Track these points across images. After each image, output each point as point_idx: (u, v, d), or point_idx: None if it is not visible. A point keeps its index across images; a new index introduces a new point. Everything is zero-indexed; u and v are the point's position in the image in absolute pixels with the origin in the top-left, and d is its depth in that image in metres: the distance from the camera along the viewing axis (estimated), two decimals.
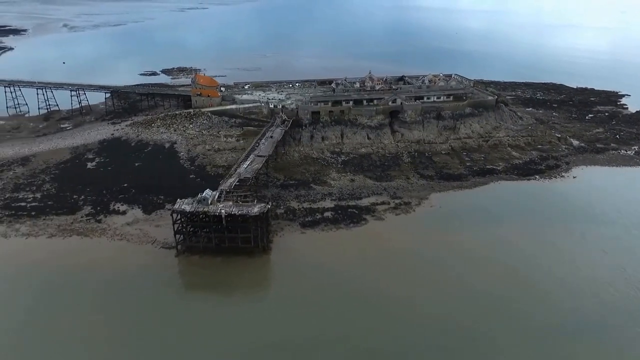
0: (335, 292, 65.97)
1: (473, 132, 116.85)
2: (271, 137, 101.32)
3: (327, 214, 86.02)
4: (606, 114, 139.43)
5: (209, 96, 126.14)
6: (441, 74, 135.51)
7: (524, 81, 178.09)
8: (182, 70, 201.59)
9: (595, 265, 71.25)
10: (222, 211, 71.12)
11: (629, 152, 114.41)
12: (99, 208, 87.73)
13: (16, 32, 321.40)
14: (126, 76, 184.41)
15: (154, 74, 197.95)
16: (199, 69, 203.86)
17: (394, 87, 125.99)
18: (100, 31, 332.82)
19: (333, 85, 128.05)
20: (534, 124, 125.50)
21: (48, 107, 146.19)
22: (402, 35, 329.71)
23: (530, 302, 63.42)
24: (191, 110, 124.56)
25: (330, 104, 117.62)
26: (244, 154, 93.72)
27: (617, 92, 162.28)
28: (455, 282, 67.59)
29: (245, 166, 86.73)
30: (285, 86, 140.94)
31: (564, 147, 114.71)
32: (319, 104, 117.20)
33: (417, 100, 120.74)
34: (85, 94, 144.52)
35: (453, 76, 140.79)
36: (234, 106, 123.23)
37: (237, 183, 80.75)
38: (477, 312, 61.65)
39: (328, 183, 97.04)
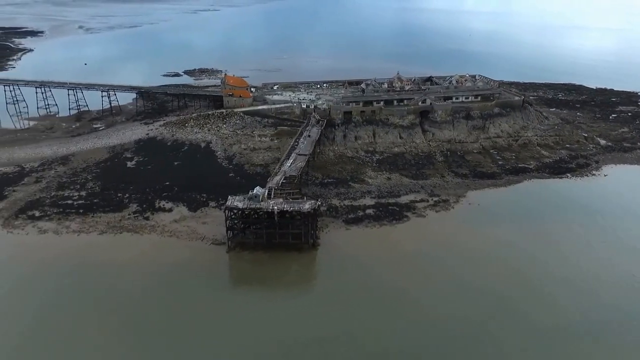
0: (382, 289, 67.31)
1: (502, 132, 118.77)
2: (309, 136, 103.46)
3: (369, 211, 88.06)
4: (629, 114, 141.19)
5: (240, 96, 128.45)
6: (467, 75, 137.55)
7: (543, 82, 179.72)
8: (203, 72, 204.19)
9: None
10: (275, 207, 73.22)
11: None
12: (144, 206, 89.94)
13: (33, 33, 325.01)
14: (150, 77, 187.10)
15: (176, 75, 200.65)
16: (220, 70, 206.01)
17: (422, 87, 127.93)
18: (117, 33, 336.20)
19: (362, 85, 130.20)
20: (560, 123, 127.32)
21: (78, 107, 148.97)
22: (412, 37, 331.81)
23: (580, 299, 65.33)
24: (223, 110, 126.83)
25: (361, 104, 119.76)
26: (286, 152, 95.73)
27: (636, 93, 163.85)
28: (514, 279, 68.89)
29: (289, 164, 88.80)
30: (313, 87, 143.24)
31: (592, 146, 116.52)
32: (350, 104, 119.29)
33: (447, 101, 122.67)
34: (115, 94, 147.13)
35: (477, 77, 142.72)
36: (265, 106, 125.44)
37: (284, 181, 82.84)
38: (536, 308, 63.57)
39: (365, 181, 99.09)
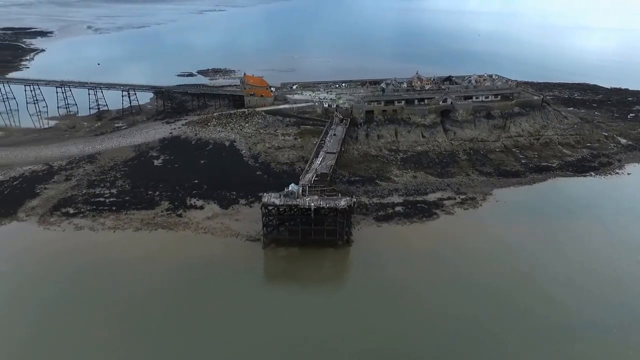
0: (416, 286, 68.52)
1: (523, 131, 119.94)
2: (334, 134, 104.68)
3: (398, 208, 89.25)
4: None
5: (262, 96, 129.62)
6: (485, 74, 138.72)
7: (557, 82, 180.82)
8: (217, 72, 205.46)
9: None
10: (312, 204, 74.36)
11: None
12: (176, 203, 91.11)
13: (43, 34, 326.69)
14: (165, 77, 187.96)
15: (190, 75, 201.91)
16: (234, 70, 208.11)
17: (442, 87, 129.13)
18: (126, 33, 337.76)
19: (383, 85, 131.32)
20: (580, 122, 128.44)
21: (98, 107, 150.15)
22: (418, 37, 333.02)
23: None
24: (245, 109, 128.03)
25: (383, 103, 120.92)
26: (314, 151, 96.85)
27: None
28: (552, 277, 70.21)
29: (319, 162, 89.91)
30: (332, 86, 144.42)
31: (613, 145, 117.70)
32: (372, 103, 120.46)
33: (467, 100, 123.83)
34: (135, 94, 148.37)
35: (494, 76, 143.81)
36: (287, 106, 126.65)
37: (316, 178, 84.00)
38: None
39: (392, 179, 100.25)
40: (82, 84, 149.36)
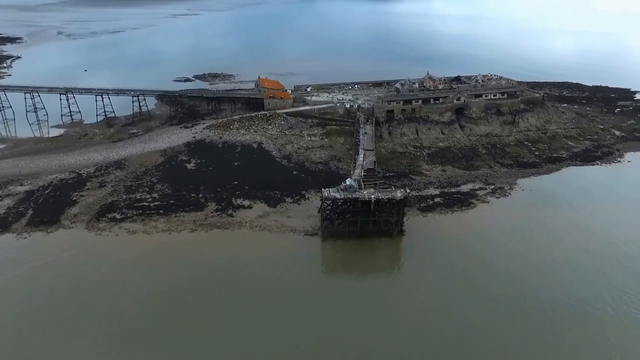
0: (473, 267, 73.67)
1: (531, 126, 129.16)
2: (366, 133, 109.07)
3: (437, 199, 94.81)
4: (631, 107, 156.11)
5: (282, 98, 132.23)
6: (489, 74, 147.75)
7: (544, 81, 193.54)
8: (215, 76, 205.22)
9: None
10: (372, 196, 78.36)
11: None
12: (223, 204, 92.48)
13: (12, 40, 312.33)
14: (162, 83, 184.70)
15: (188, 80, 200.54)
16: (232, 75, 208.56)
17: (453, 86, 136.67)
18: (103, 38, 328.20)
19: (397, 85, 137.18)
20: (577, 117, 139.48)
21: (105, 113, 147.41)
22: (399, 39, 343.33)
23: None
24: (266, 112, 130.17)
25: (401, 103, 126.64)
26: (353, 149, 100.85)
27: (629, 89, 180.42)
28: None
29: (362, 159, 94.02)
30: (345, 87, 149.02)
31: (609, 136, 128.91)
32: (391, 103, 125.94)
33: (477, 98, 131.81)
34: (145, 99, 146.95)
35: (494, 76, 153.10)
36: (307, 107, 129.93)
37: (364, 173, 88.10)
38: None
39: (423, 174, 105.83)
40: (88, 91, 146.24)
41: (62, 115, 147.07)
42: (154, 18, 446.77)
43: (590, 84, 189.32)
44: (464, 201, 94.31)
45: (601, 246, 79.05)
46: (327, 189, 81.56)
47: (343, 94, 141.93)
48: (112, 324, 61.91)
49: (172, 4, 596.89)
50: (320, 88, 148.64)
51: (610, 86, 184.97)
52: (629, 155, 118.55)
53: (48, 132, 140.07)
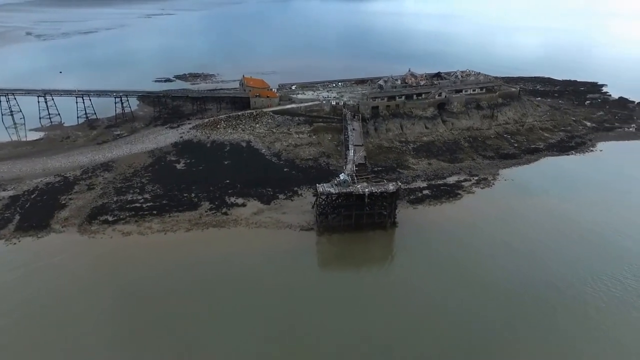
0: (463, 254, 77.03)
1: (509, 119, 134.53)
2: (354, 129, 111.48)
3: (426, 192, 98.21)
4: (599, 100, 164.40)
5: (268, 97, 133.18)
6: (467, 70, 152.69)
7: (516, 76, 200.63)
8: (195, 76, 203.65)
9: None
10: (366, 190, 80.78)
11: (630, 129, 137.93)
12: (216, 203, 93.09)
13: None
14: (142, 84, 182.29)
15: (168, 80, 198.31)
16: (213, 74, 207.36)
17: (434, 82, 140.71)
18: (75, 39, 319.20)
19: (381, 82, 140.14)
20: (551, 110, 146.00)
21: (86, 115, 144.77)
22: (375, 37, 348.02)
23: None
24: (253, 111, 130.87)
25: (386, 99, 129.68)
26: (343, 144, 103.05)
27: (597, 83, 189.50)
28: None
29: (352, 154, 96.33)
30: (328, 85, 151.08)
31: (581, 127, 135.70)
32: (376, 99, 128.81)
33: (458, 93, 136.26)
34: (128, 100, 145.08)
35: (470, 71, 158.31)
36: (294, 105, 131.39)
37: (356, 168, 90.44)
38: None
39: (410, 167, 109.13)
40: (68, 92, 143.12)
41: (40, 118, 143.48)
42: (127, 18, 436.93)
43: (560, 78, 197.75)
44: (451, 192, 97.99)
45: (580, 231, 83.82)
46: (321, 184, 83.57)
47: (328, 91, 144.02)
48: (112, 325, 62.17)
49: (145, 4, 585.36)
50: (305, 86, 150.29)
51: (578, 80, 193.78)
52: (600, 145, 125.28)
53: (26, 136, 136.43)
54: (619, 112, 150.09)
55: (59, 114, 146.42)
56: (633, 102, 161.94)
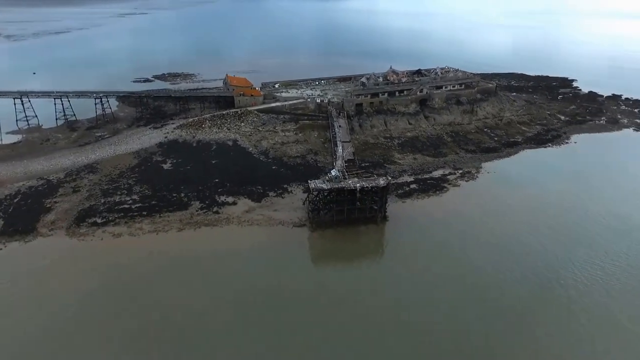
0: (451, 243, 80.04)
1: (488, 114, 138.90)
2: (340, 126, 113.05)
3: (413, 186, 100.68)
4: (571, 94, 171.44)
5: (252, 95, 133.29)
6: (446, 66, 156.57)
7: (492, 72, 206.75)
8: (175, 76, 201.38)
9: None
10: (357, 185, 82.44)
11: (600, 121, 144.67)
12: (207, 202, 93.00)
13: None
14: (118, 84, 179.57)
15: (147, 80, 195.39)
16: (193, 74, 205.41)
17: (415, 79, 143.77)
18: (47, 40, 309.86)
19: (363, 80, 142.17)
20: (526, 105, 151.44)
21: (65, 117, 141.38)
22: (351, 35, 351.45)
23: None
24: (237, 110, 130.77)
25: (369, 96, 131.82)
26: (331, 141, 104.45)
27: (567, 78, 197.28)
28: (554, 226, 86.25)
29: (341, 150, 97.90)
30: (311, 83, 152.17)
31: (556, 121, 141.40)
32: (360, 96, 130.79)
33: (438, 90, 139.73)
34: (108, 101, 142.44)
35: (447, 68, 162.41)
36: (279, 103, 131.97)
37: (345, 164, 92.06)
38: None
39: (397, 162, 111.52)
40: (46, 94, 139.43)
41: (17, 121, 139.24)
42: (100, 18, 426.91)
43: (532, 74, 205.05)
44: (437, 186, 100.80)
45: (557, 218, 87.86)
46: (313, 180, 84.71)
47: (311, 89, 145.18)
48: (112, 326, 61.71)
49: (117, 3, 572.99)
50: (288, 84, 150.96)
51: (550, 75, 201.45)
52: (574, 137, 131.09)
53: (2, 139, 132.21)
54: (589, 106, 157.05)
55: (36, 116, 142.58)
56: (602, 96, 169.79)
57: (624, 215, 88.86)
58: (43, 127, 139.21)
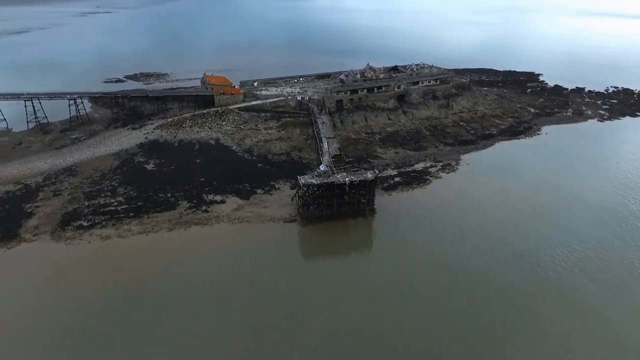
0: (436, 236, 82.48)
1: (463, 108, 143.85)
2: (323, 122, 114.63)
3: (397, 179, 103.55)
4: (538, 88, 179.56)
5: (232, 94, 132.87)
6: (421, 63, 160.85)
7: (463, 67, 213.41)
8: (148, 76, 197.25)
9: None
10: (346, 179, 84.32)
11: (567, 113, 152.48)
12: (195, 201, 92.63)
13: None
14: (89, 85, 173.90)
15: (119, 81, 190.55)
16: (165, 73, 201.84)
17: (393, 75, 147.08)
18: (6, 40, 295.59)
19: (342, 77, 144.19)
20: (498, 98, 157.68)
21: (37, 119, 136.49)
22: (319, 33, 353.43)
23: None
24: (218, 108, 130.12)
25: (349, 93, 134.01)
26: (316, 138, 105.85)
27: (534, 72, 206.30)
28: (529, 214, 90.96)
29: (327, 146, 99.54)
30: (290, 81, 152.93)
31: (526, 113, 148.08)
32: (340, 93, 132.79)
33: (415, 85, 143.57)
34: (82, 102, 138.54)
35: (420, 64, 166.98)
36: (259, 101, 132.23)
37: (333, 159, 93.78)
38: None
39: (379, 157, 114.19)
40: (16, 96, 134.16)
41: None
42: (61, 17, 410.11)
43: (501, 69, 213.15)
44: (420, 178, 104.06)
45: (537, 207, 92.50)
46: (302, 176, 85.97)
47: (291, 87, 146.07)
48: (112, 326, 61.20)
49: (79, 1, 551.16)
50: (267, 82, 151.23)
51: (518, 70, 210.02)
52: (545, 129, 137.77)
53: None
54: (556, 99, 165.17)
55: (4, 119, 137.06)
56: (567, 89, 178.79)
57: (591, 199, 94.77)
58: (13, 130, 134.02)
